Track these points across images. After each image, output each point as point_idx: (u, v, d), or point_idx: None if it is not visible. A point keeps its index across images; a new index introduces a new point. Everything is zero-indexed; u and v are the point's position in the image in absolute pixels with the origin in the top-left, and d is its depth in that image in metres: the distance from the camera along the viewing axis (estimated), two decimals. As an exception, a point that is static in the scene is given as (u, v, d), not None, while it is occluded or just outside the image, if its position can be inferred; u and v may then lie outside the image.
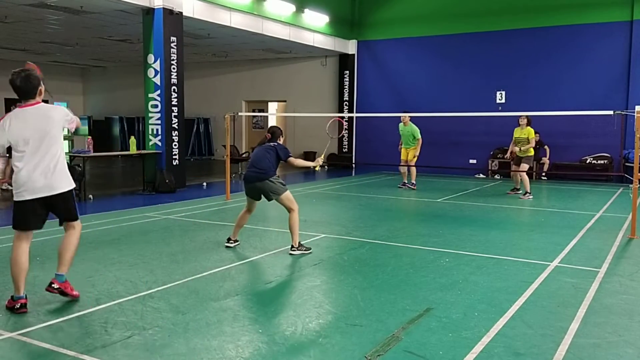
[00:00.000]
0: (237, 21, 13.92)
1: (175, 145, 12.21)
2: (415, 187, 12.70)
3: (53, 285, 4.49)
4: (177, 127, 12.23)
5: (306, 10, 16.02)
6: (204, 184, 13.40)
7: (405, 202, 11.03)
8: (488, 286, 5.09)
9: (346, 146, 18.94)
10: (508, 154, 12.14)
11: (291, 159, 6.43)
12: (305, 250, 6.36)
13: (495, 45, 16.28)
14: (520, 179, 11.50)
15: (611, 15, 14.83)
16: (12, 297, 4.36)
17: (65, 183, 4.42)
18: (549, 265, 5.86)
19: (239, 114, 18.55)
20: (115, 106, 24.33)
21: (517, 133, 11.33)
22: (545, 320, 4.19)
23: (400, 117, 12.90)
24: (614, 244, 6.93)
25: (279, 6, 14.89)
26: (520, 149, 11.24)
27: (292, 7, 15.38)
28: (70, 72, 24.99)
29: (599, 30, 14.96)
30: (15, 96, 4.40)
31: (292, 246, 6.32)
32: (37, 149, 4.26)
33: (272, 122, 22.28)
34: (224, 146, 12.07)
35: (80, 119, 17.49)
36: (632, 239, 7.27)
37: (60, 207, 4.50)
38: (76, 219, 4.64)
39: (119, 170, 17.04)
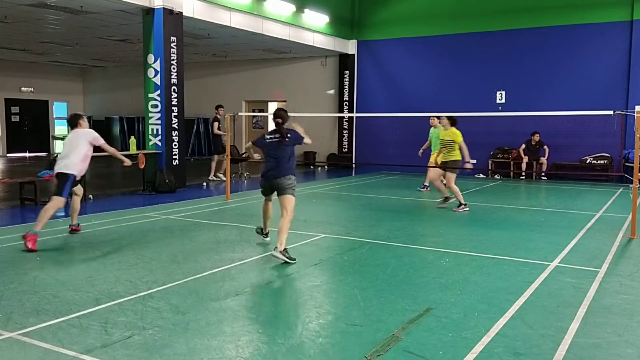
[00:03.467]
0: (237, 21, 13.92)
1: (175, 145, 12.21)
2: (422, 189, 12.56)
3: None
4: (177, 127, 12.22)
5: (306, 10, 16.02)
6: (204, 184, 13.40)
7: (405, 202, 11.03)
8: (488, 286, 5.08)
9: (346, 146, 18.94)
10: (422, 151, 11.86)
11: (306, 139, 6.50)
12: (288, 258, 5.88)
13: (495, 45, 16.28)
14: (443, 188, 9.97)
15: (611, 15, 14.83)
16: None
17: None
18: (549, 265, 5.86)
19: (239, 114, 18.56)
20: (115, 106, 24.33)
21: (441, 135, 9.93)
22: (545, 320, 4.19)
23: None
24: (614, 244, 6.93)
25: (279, 6, 14.89)
26: (443, 153, 9.81)
27: (292, 7, 15.38)
28: (70, 72, 24.99)
29: (599, 30, 14.96)
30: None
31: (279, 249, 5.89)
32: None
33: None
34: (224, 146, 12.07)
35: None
36: (632, 239, 7.27)
37: None
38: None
39: (119, 170, 17.03)
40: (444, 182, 10.18)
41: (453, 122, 9.83)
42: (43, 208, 6.65)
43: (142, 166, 8.55)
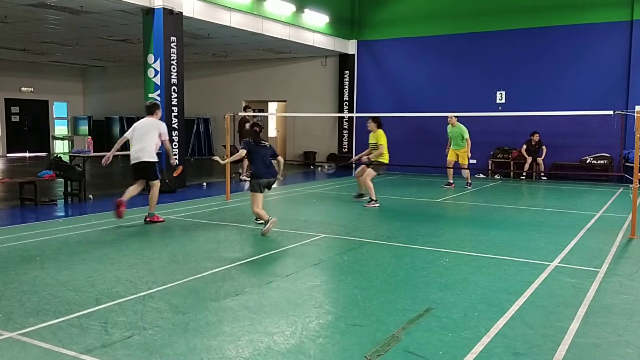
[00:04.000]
0: (237, 21, 13.92)
1: (175, 145, 12.19)
2: (470, 186, 13.23)
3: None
4: (177, 127, 12.22)
5: (306, 10, 16.01)
6: (204, 184, 13.40)
7: (405, 202, 11.03)
8: (488, 286, 5.08)
9: (346, 146, 18.93)
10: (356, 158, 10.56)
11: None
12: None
13: (495, 45, 16.27)
14: (364, 185, 10.24)
15: (611, 15, 14.82)
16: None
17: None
18: (549, 265, 5.86)
19: (239, 114, 18.55)
20: (115, 106, 24.33)
21: (370, 137, 10.43)
22: (545, 320, 4.19)
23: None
24: (614, 244, 6.93)
25: (279, 6, 14.89)
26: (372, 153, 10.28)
27: (292, 7, 15.38)
28: (70, 72, 24.98)
29: (599, 30, 14.95)
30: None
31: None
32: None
33: (272, 122, 22.28)
34: (224, 146, 12.06)
35: (80, 119, 17.81)
36: (632, 239, 7.27)
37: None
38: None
39: (119, 170, 17.02)
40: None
41: (379, 124, 10.26)
42: (151, 194, 8.00)
43: (175, 175, 9.61)
